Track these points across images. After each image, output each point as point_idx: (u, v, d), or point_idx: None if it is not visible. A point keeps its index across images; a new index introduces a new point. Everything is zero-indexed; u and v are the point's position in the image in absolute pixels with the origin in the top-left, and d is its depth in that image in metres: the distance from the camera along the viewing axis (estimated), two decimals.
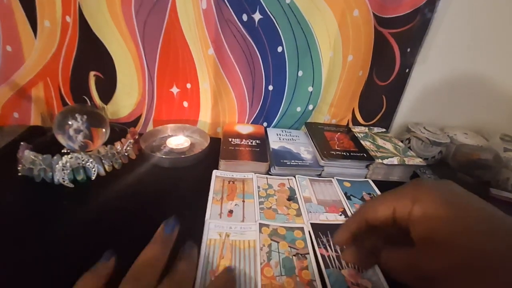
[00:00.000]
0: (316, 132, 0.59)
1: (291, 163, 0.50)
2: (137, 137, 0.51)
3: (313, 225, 0.39)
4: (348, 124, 0.66)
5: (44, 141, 0.47)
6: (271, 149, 0.54)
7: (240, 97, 0.59)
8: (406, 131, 0.64)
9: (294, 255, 0.34)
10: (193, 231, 0.35)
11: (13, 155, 0.42)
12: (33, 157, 0.40)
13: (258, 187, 0.46)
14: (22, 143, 0.43)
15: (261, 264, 0.32)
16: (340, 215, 0.42)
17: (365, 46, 0.56)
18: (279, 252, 0.34)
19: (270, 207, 0.42)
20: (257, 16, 0.50)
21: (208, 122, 0.61)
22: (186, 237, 0.29)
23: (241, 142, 0.54)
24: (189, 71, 0.55)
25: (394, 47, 0.56)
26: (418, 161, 0.52)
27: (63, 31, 0.49)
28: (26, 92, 0.53)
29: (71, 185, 0.40)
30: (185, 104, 0.59)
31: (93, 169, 0.42)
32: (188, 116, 0.60)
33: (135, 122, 0.58)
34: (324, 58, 0.56)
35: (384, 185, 0.50)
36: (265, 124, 0.64)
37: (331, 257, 0.34)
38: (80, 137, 0.43)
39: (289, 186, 0.47)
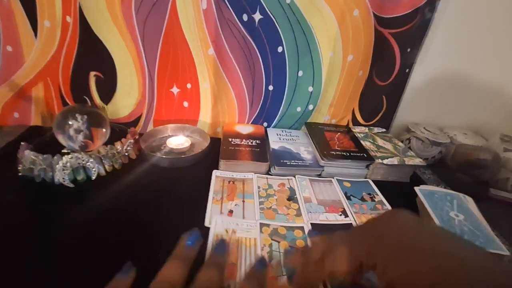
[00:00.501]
0: (316, 132, 0.59)
1: (291, 163, 0.50)
2: (137, 137, 0.51)
3: (313, 225, 0.39)
4: (348, 124, 0.66)
5: (44, 141, 0.47)
6: (271, 149, 0.54)
7: (240, 97, 0.59)
8: (406, 131, 0.64)
9: None
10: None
11: (13, 155, 0.42)
12: (33, 157, 0.40)
13: (258, 187, 0.46)
14: (22, 143, 0.43)
15: None
16: (340, 215, 0.42)
17: (365, 46, 0.56)
18: (279, 252, 0.34)
19: (270, 207, 0.42)
20: (257, 16, 0.50)
21: (208, 122, 0.61)
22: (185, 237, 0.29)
23: (241, 142, 0.54)
24: (189, 71, 0.55)
25: (394, 47, 0.56)
26: (418, 161, 0.52)
27: (63, 31, 0.49)
28: (26, 92, 0.53)
29: (71, 185, 0.40)
30: (185, 104, 0.59)
31: (93, 169, 0.42)
32: (188, 116, 0.60)
33: (135, 122, 0.59)
34: (324, 58, 0.56)
35: (384, 185, 0.50)
36: (265, 124, 0.64)
37: None
38: (80, 137, 0.43)
39: (289, 186, 0.47)
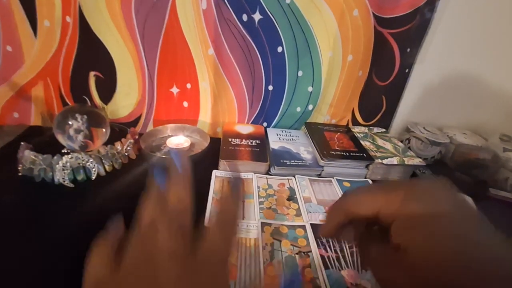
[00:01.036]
0: (315, 132, 0.59)
1: (291, 163, 0.50)
2: (137, 137, 0.51)
3: (312, 226, 0.39)
4: (347, 124, 0.66)
5: (44, 141, 0.47)
6: (271, 149, 0.54)
7: (240, 97, 0.59)
8: (406, 131, 0.64)
9: (297, 253, 0.34)
10: None
11: (13, 155, 0.42)
12: (33, 157, 0.40)
13: (258, 187, 0.46)
14: (22, 143, 0.43)
15: (264, 263, 0.32)
16: None
17: (365, 46, 0.56)
18: (281, 251, 0.34)
19: (270, 207, 0.42)
20: (257, 16, 0.50)
21: (208, 122, 0.61)
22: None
23: (241, 142, 0.54)
24: (189, 71, 0.55)
25: (393, 47, 0.56)
26: (417, 161, 0.52)
27: (63, 31, 0.49)
28: (26, 92, 0.53)
29: (71, 185, 0.40)
30: (185, 104, 0.59)
31: (93, 169, 0.42)
32: (188, 116, 0.60)
33: (135, 122, 0.58)
34: (323, 58, 0.56)
35: None
36: (265, 124, 0.64)
37: (330, 257, 0.34)
38: (80, 137, 0.43)
39: (288, 186, 0.47)
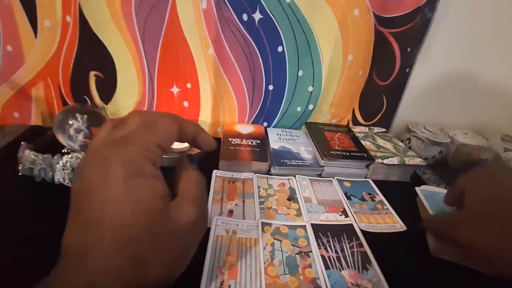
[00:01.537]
0: (316, 132, 0.59)
1: (291, 163, 0.50)
2: None
3: (313, 226, 0.39)
4: (348, 124, 0.66)
5: (45, 140, 0.47)
6: (271, 149, 0.54)
7: (240, 97, 0.59)
8: (406, 131, 0.64)
9: (297, 254, 0.34)
10: None
11: (13, 155, 0.42)
12: (33, 157, 0.40)
13: (258, 187, 0.46)
14: (22, 142, 0.43)
15: (264, 263, 0.32)
16: (340, 215, 0.42)
17: (365, 45, 0.56)
18: (282, 251, 0.34)
19: (270, 207, 0.42)
20: (257, 16, 0.50)
21: (208, 122, 0.61)
22: None
23: (241, 142, 0.54)
24: (189, 71, 0.55)
25: (394, 46, 0.56)
26: (418, 161, 0.52)
27: (63, 31, 0.49)
28: (26, 92, 0.53)
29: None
30: (185, 104, 0.59)
31: None
32: (188, 116, 0.60)
33: None
34: (324, 57, 0.56)
35: (385, 185, 0.50)
36: (265, 124, 0.64)
37: (331, 258, 0.34)
38: (80, 137, 0.43)
39: (289, 186, 0.47)
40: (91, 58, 0.52)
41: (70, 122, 0.42)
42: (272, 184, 0.47)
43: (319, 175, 0.51)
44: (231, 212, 0.40)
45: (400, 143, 0.58)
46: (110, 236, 0.16)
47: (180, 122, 0.21)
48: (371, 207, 0.44)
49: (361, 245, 0.36)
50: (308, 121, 0.64)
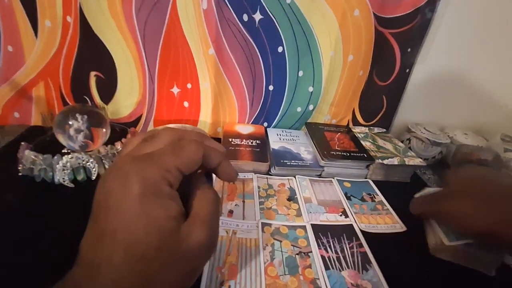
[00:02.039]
0: (316, 132, 0.59)
1: (291, 163, 0.50)
2: None
3: (313, 226, 0.39)
4: (348, 124, 0.66)
5: (45, 141, 0.47)
6: (271, 149, 0.54)
7: (241, 97, 0.59)
8: (406, 131, 0.64)
9: (297, 254, 0.34)
10: None
11: (13, 155, 0.42)
12: (33, 157, 0.40)
13: (258, 187, 0.46)
14: (22, 143, 0.43)
15: (264, 263, 0.32)
16: (340, 215, 0.42)
17: (366, 46, 0.56)
18: (282, 251, 0.34)
19: (270, 207, 0.42)
20: (257, 16, 0.50)
21: (208, 122, 0.61)
22: None
23: (241, 142, 0.54)
24: (189, 71, 0.55)
25: (394, 47, 0.56)
26: (418, 161, 0.52)
27: (64, 31, 0.49)
28: (26, 92, 0.53)
29: (72, 185, 0.40)
30: (186, 104, 0.59)
31: (94, 169, 0.42)
32: (189, 116, 0.60)
33: (135, 122, 0.58)
34: (324, 58, 0.56)
35: (385, 185, 0.50)
36: (265, 124, 0.64)
37: (331, 258, 0.34)
38: (80, 137, 0.43)
39: (289, 187, 0.47)
40: (91, 58, 0.52)
41: (70, 122, 0.42)
42: (272, 184, 0.47)
43: (319, 176, 0.51)
44: (231, 212, 0.40)
45: (400, 144, 0.58)
46: (122, 251, 0.17)
47: (207, 149, 0.21)
48: (371, 207, 0.45)
49: (361, 245, 0.37)
50: (308, 121, 0.64)
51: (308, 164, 0.51)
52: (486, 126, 0.68)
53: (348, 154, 0.52)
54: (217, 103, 0.59)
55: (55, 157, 0.41)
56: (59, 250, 0.31)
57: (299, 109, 0.62)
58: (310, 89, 0.59)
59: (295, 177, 0.49)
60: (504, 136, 0.61)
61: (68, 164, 0.40)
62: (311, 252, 0.34)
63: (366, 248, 0.36)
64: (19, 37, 0.48)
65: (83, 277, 0.17)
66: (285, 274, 0.31)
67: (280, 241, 0.36)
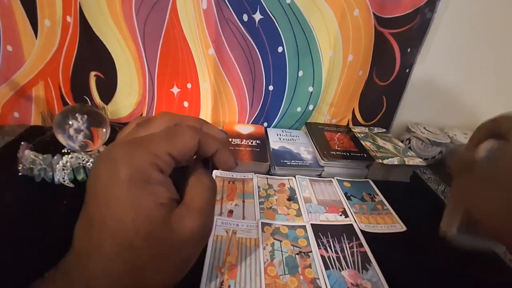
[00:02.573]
0: (316, 132, 0.59)
1: (291, 163, 0.50)
2: None
3: (313, 226, 0.39)
4: (348, 124, 0.66)
5: (45, 140, 0.47)
6: (271, 149, 0.54)
7: (240, 97, 0.59)
8: (406, 131, 0.64)
9: (297, 254, 0.34)
10: None
11: (13, 155, 0.42)
12: (33, 157, 0.40)
13: (258, 187, 0.46)
14: (22, 142, 0.43)
15: (264, 263, 0.32)
16: (340, 215, 0.42)
17: (365, 46, 0.56)
18: (282, 251, 0.34)
19: (270, 207, 0.42)
20: (257, 16, 0.50)
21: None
22: None
23: (241, 142, 0.54)
24: (189, 71, 0.55)
25: (394, 47, 0.56)
26: (418, 161, 0.52)
27: (63, 31, 0.49)
28: (26, 92, 0.53)
29: (72, 185, 0.40)
30: (186, 104, 0.59)
31: None
32: None
33: None
34: (324, 58, 0.56)
35: (385, 185, 0.50)
36: (265, 124, 0.64)
37: (331, 258, 0.34)
38: (80, 137, 0.43)
39: (289, 186, 0.47)
40: (91, 58, 0.52)
41: (70, 122, 0.42)
42: (272, 184, 0.47)
43: (319, 175, 0.51)
44: (231, 212, 0.40)
45: (400, 143, 0.58)
46: (110, 238, 0.17)
47: (203, 136, 0.20)
48: (371, 207, 0.45)
49: (361, 245, 0.37)
50: (308, 121, 0.64)
51: (308, 164, 0.51)
52: None
53: (348, 154, 0.52)
54: (217, 103, 0.59)
55: (55, 157, 0.40)
56: (59, 250, 0.31)
57: (299, 109, 0.62)
58: (310, 89, 0.59)
59: (295, 177, 0.49)
60: None
61: (68, 164, 0.40)
62: (311, 252, 0.34)
63: (366, 248, 0.36)
64: (19, 37, 0.48)
65: (73, 265, 0.17)
66: (285, 274, 0.31)
67: (280, 241, 0.36)
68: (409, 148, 0.60)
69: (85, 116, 0.43)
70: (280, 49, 0.54)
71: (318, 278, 0.31)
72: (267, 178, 0.48)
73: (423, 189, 0.50)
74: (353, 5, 0.51)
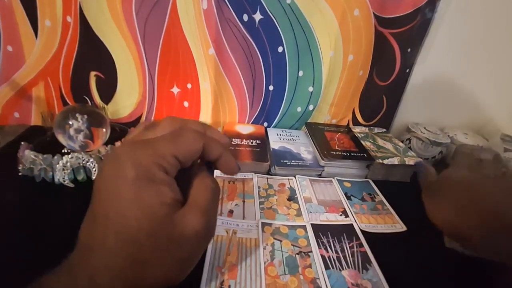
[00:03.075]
0: (316, 132, 0.59)
1: (291, 163, 0.50)
2: None
3: (313, 226, 0.39)
4: (348, 124, 0.66)
5: (45, 141, 0.47)
6: (271, 149, 0.54)
7: (241, 97, 0.59)
8: (406, 131, 0.64)
9: (297, 254, 0.34)
10: None
11: (13, 155, 0.42)
12: (33, 157, 0.40)
13: (258, 187, 0.46)
14: (22, 142, 0.43)
15: (264, 263, 0.32)
16: (340, 215, 0.42)
17: (366, 46, 0.56)
18: (282, 251, 0.34)
19: (271, 207, 0.42)
20: (257, 16, 0.50)
21: (208, 122, 0.61)
22: None
23: (241, 142, 0.54)
24: (189, 71, 0.55)
25: (394, 47, 0.56)
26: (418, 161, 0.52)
27: (64, 31, 0.49)
28: (26, 92, 0.53)
29: (72, 185, 0.40)
30: (186, 104, 0.59)
31: (94, 169, 0.42)
32: (189, 116, 0.60)
33: (135, 122, 0.59)
34: (324, 58, 0.56)
35: (385, 185, 0.50)
36: (265, 124, 0.64)
37: (331, 258, 0.34)
38: (80, 137, 0.43)
39: (289, 186, 0.47)
40: (91, 58, 0.52)
41: (70, 122, 0.42)
42: (272, 184, 0.47)
43: (319, 175, 0.51)
44: (231, 212, 0.40)
45: (400, 144, 0.58)
46: (113, 234, 0.17)
47: (207, 140, 0.21)
48: (371, 207, 0.44)
49: (361, 245, 0.36)
50: (308, 121, 0.64)
51: (308, 164, 0.51)
52: (486, 126, 0.68)
53: (348, 154, 0.52)
54: (217, 103, 0.59)
55: (55, 157, 0.41)
56: (59, 250, 0.31)
57: (299, 109, 0.62)
58: (310, 89, 0.59)
59: (295, 177, 0.49)
60: (504, 136, 0.61)
61: (68, 164, 0.40)
62: (311, 251, 0.34)
63: (366, 247, 0.36)
64: (19, 37, 0.48)
65: (76, 260, 0.18)
66: (285, 274, 0.31)
67: (280, 241, 0.36)
68: (409, 148, 0.60)
69: (85, 116, 0.43)
70: (280, 49, 0.54)
71: (318, 278, 0.31)
72: (267, 178, 0.48)
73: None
74: (353, 5, 0.51)
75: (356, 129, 0.63)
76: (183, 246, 0.18)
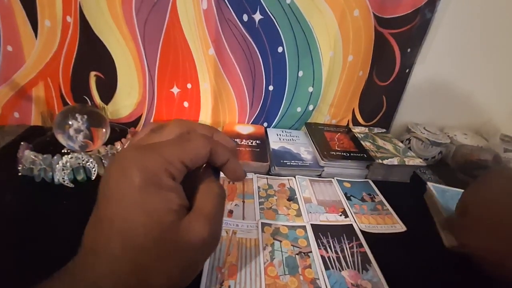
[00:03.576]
0: (316, 132, 0.59)
1: (291, 163, 0.50)
2: None
3: (313, 226, 0.39)
4: (348, 124, 0.66)
5: (44, 141, 0.47)
6: (271, 150, 0.54)
7: (240, 97, 0.59)
8: (406, 132, 0.64)
9: (297, 254, 0.34)
10: None
11: (13, 155, 0.42)
12: (33, 157, 0.40)
13: (258, 187, 0.46)
14: (22, 143, 0.43)
15: (264, 263, 0.32)
16: (340, 215, 0.42)
17: (365, 46, 0.56)
18: (282, 251, 0.34)
19: (270, 207, 0.42)
20: (257, 16, 0.50)
21: (208, 122, 0.61)
22: None
23: (241, 142, 0.54)
24: (189, 71, 0.55)
25: (394, 47, 0.56)
26: (418, 161, 0.52)
27: (63, 31, 0.49)
28: (26, 92, 0.53)
29: (71, 185, 0.40)
30: (186, 104, 0.59)
31: (93, 169, 0.42)
32: (189, 116, 0.60)
33: (135, 122, 0.58)
34: (324, 58, 0.56)
35: (385, 186, 0.50)
36: (265, 124, 0.64)
37: (331, 258, 0.34)
38: (80, 137, 0.43)
39: (289, 187, 0.47)
40: (91, 58, 0.52)
41: (70, 122, 0.42)
42: (272, 184, 0.47)
43: (319, 176, 0.51)
44: (231, 212, 0.40)
45: (400, 144, 0.58)
46: (118, 239, 0.17)
47: (215, 145, 0.21)
48: (371, 207, 0.44)
49: (361, 245, 0.36)
50: (308, 121, 0.64)
51: (308, 164, 0.51)
52: (486, 126, 0.68)
53: (348, 154, 0.52)
54: (217, 103, 0.59)
55: (55, 157, 0.40)
56: (59, 250, 0.31)
57: (299, 109, 0.62)
58: (310, 89, 0.59)
59: (295, 177, 0.49)
60: (504, 136, 0.61)
61: (68, 164, 0.40)
62: (311, 252, 0.34)
63: (366, 248, 0.36)
64: (19, 37, 0.48)
65: (80, 264, 0.17)
66: (285, 274, 0.31)
67: (280, 241, 0.36)
68: (409, 148, 0.60)
69: (85, 116, 0.43)
70: (280, 49, 0.54)
71: (318, 279, 0.31)
72: (267, 178, 0.48)
73: (423, 189, 0.50)
74: (353, 5, 0.51)
75: (356, 129, 0.63)
76: (189, 254, 0.18)
